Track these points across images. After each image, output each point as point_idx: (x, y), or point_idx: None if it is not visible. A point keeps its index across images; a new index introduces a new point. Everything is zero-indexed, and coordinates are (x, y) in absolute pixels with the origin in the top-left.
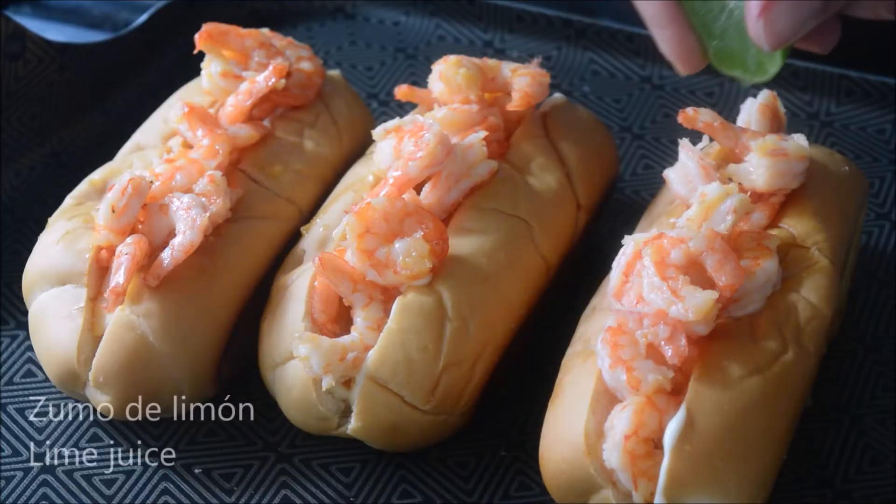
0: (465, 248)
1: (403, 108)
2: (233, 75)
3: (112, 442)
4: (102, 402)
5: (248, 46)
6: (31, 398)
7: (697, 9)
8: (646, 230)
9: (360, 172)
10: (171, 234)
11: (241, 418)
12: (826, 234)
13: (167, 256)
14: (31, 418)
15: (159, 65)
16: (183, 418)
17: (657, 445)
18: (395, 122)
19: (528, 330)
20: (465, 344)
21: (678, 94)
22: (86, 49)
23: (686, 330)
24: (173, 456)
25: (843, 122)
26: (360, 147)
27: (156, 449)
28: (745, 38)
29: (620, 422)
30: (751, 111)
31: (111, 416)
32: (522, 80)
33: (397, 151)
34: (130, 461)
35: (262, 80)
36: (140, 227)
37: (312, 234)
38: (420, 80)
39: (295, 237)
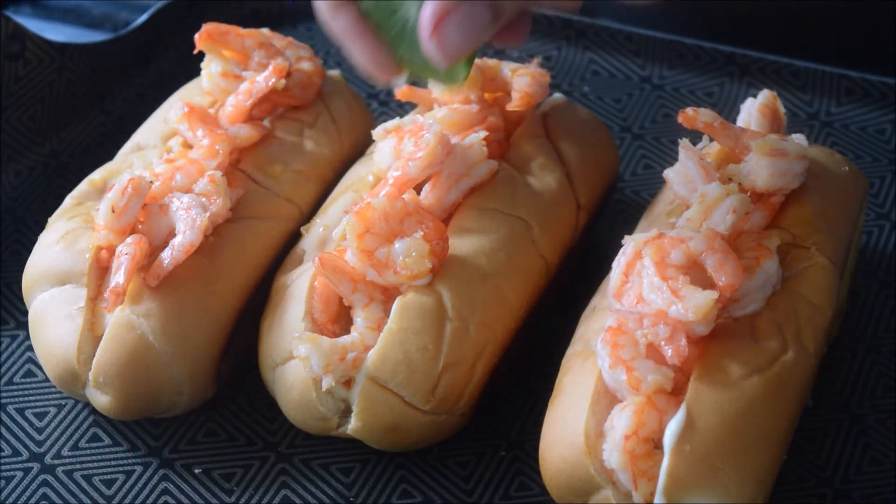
0: (465, 248)
1: (403, 108)
2: (233, 75)
3: (112, 442)
4: (102, 402)
5: (248, 46)
6: (31, 398)
7: (382, 24)
8: (646, 230)
9: (360, 172)
10: (171, 234)
11: (241, 418)
12: (826, 234)
13: (167, 256)
14: (31, 418)
15: (159, 65)
16: (183, 418)
17: (657, 445)
18: (395, 122)
19: (528, 330)
20: (466, 344)
21: (678, 94)
22: (86, 49)
23: (686, 330)
24: (173, 456)
25: (843, 122)
26: (360, 147)
27: (156, 449)
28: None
29: (620, 422)
30: (751, 111)
31: (111, 416)
32: (522, 80)
33: (397, 151)
34: (130, 461)
35: (262, 80)
36: (140, 227)
37: (312, 234)
38: None
39: (295, 237)
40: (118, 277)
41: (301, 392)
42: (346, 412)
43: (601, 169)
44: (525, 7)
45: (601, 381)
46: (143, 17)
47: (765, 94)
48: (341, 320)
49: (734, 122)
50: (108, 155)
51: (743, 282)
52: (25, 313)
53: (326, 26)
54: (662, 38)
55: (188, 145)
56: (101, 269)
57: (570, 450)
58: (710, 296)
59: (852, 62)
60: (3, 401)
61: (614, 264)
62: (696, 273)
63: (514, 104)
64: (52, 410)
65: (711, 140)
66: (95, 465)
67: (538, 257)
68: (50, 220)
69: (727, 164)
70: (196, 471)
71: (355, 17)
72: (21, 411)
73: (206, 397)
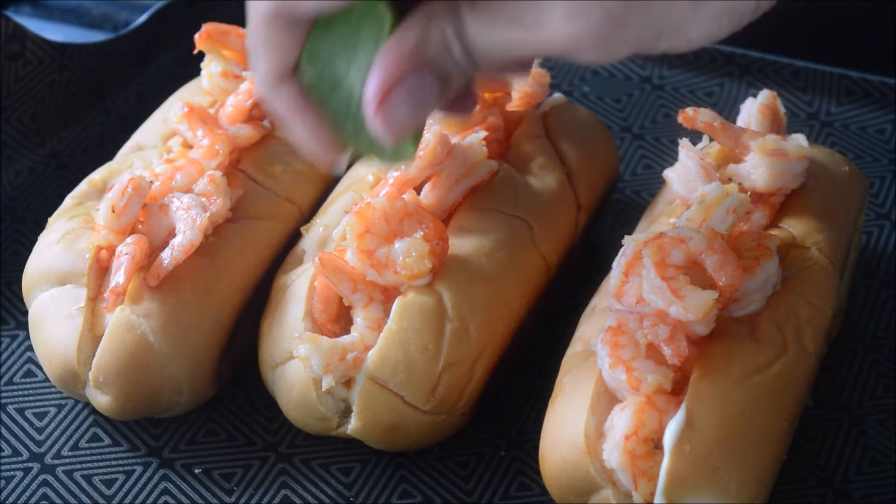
0: (465, 248)
1: None
2: (233, 75)
3: (112, 442)
4: (102, 402)
5: None
6: (31, 398)
7: (325, 99)
8: (646, 230)
9: (360, 172)
10: (171, 234)
11: (241, 418)
12: (826, 234)
13: (167, 256)
14: (31, 418)
15: (159, 65)
16: (183, 418)
17: (657, 445)
18: None
19: (528, 330)
20: (466, 344)
21: (678, 94)
22: (86, 49)
23: (686, 330)
24: (173, 456)
25: (843, 122)
26: None
27: (156, 449)
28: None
29: (620, 422)
30: (751, 111)
31: (111, 416)
32: (522, 80)
33: None
34: (130, 461)
35: None
36: (140, 227)
37: (312, 234)
38: None
39: (295, 237)
40: (118, 277)
41: (301, 392)
42: (346, 412)
43: (601, 169)
44: (472, 77)
45: (601, 381)
46: (143, 17)
47: (765, 94)
48: (341, 320)
49: (734, 122)
50: (108, 155)
51: (743, 282)
52: (25, 313)
53: (266, 101)
54: None
55: (188, 145)
56: (101, 269)
57: (570, 450)
58: (710, 296)
59: (852, 62)
60: (3, 401)
61: (614, 264)
62: (696, 273)
63: (514, 104)
64: (52, 410)
65: (711, 140)
66: (95, 465)
67: (538, 257)
68: (50, 220)
69: (727, 164)
70: (196, 471)
71: (297, 92)
72: (21, 411)
73: (206, 397)
